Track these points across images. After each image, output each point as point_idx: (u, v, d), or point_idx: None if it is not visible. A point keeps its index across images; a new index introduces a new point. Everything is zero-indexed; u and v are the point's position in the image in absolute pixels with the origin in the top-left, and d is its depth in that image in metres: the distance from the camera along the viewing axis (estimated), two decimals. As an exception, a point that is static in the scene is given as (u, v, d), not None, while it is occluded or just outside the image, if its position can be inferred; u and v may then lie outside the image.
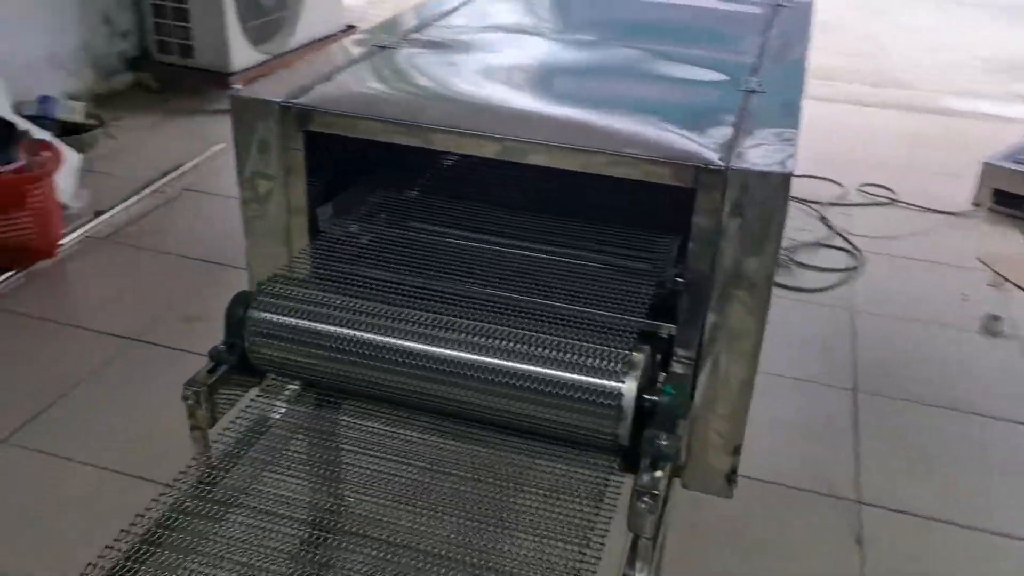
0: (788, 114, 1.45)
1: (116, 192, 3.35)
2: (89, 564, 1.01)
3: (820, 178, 3.79)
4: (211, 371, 1.29)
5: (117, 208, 3.24)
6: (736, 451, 1.43)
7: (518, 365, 1.19)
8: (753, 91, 1.54)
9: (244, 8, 4.24)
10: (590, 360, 1.17)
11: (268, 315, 1.26)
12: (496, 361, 1.20)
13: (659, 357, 1.32)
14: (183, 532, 1.09)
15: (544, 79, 1.70)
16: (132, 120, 4.11)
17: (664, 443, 1.15)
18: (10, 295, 2.74)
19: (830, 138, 4.20)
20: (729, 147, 1.30)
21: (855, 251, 3.27)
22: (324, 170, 1.49)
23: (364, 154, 1.56)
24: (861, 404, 2.45)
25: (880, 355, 2.67)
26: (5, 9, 3.74)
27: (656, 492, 1.10)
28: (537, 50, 1.83)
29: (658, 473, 1.12)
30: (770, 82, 1.60)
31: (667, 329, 1.36)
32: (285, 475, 1.19)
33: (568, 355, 1.18)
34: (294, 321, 1.25)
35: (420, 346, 1.22)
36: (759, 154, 1.28)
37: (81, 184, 3.30)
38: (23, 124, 3.07)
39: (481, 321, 1.23)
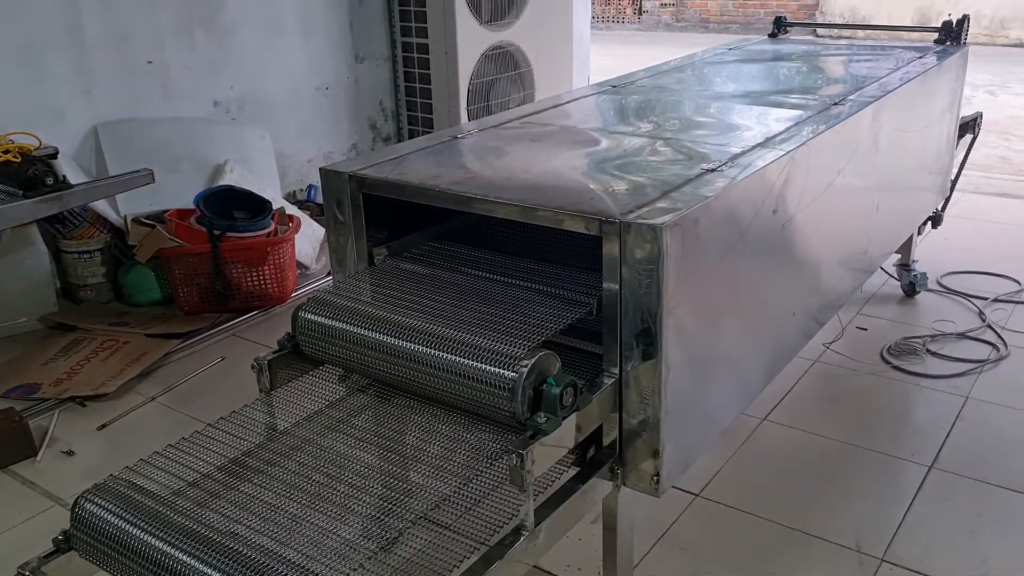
0: (713, 187, 1.78)
1: (347, 259, 4.18)
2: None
3: (996, 275, 3.73)
4: (275, 352, 1.87)
5: (343, 271, 4.06)
6: (656, 454, 1.74)
7: (458, 359, 1.64)
8: (712, 170, 1.89)
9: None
10: (501, 358, 1.60)
11: (310, 316, 1.83)
12: (444, 355, 1.66)
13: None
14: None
15: (548, 159, 2.09)
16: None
17: (542, 421, 1.54)
18: (249, 328, 3.60)
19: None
20: (637, 207, 1.67)
21: (1001, 346, 3.22)
22: (386, 223, 2.06)
23: (420, 215, 2.10)
24: (930, 479, 2.50)
25: (972, 440, 2.68)
26: (299, 120, 4.83)
27: (522, 452, 1.49)
28: (566, 139, 2.28)
29: (532, 440, 1.51)
30: (736, 164, 1.93)
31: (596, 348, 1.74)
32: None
33: (489, 355, 1.61)
34: (322, 320, 1.81)
35: (398, 342, 1.71)
36: (652, 213, 1.64)
37: (320, 252, 4.19)
38: (279, 202, 4.01)
39: (444, 329, 1.70)
